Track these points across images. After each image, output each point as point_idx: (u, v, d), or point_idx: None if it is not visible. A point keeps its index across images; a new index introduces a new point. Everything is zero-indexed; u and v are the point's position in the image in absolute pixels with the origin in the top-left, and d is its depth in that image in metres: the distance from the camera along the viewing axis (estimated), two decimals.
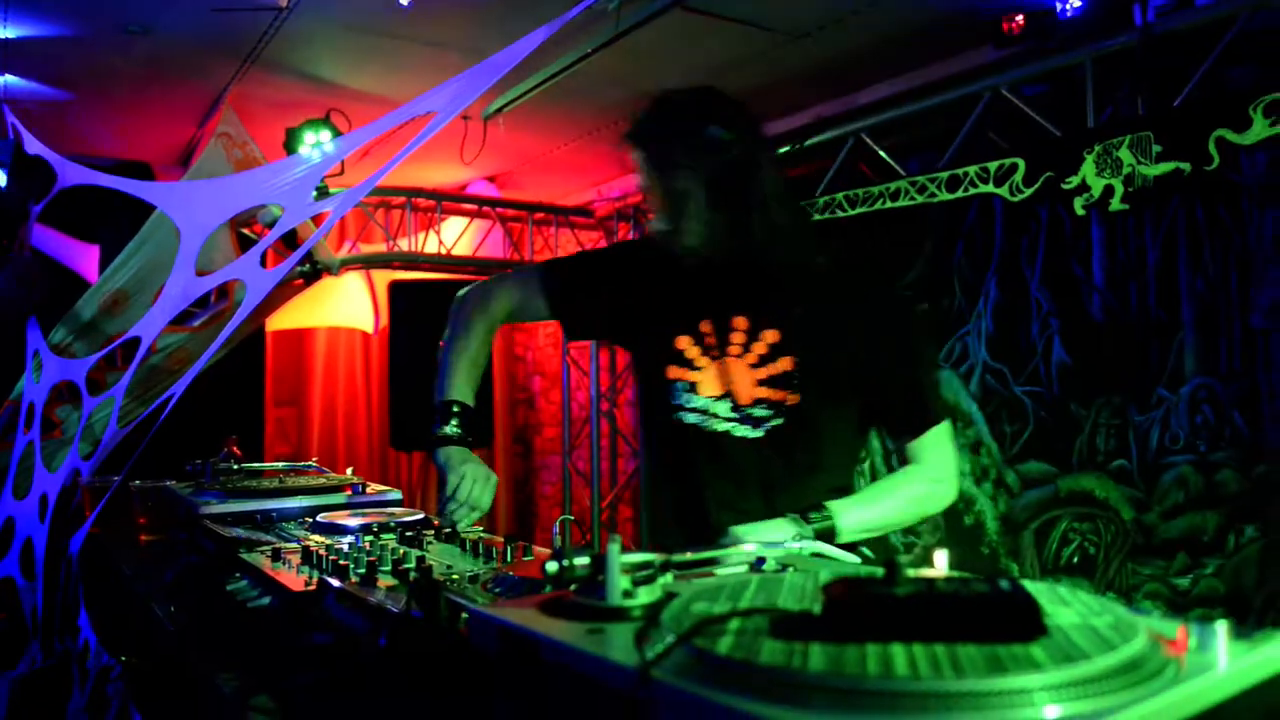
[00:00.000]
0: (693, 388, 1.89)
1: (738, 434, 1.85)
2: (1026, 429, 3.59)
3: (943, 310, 3.90)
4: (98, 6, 3.60)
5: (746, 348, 1.86)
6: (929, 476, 1.85)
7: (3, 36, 3.83)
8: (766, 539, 1.53)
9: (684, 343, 1.91)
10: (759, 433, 1.83)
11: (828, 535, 1.65)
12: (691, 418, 1.89)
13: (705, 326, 1.90)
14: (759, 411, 1.83)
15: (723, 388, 1.87)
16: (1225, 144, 3.00)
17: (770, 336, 1.84)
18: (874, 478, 4.16)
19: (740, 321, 1.87)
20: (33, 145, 3.02)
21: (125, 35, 3.85)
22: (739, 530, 1.62)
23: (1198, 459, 3.11)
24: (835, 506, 1.72)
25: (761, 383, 1.83)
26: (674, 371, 1.91)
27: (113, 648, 1.93)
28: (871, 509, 1.79)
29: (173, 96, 4.62)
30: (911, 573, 0.81)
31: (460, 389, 2.15)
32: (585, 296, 2.08)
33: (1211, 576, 3.05)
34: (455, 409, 2.12)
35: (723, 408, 1.86)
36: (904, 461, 1.88)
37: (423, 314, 5.57)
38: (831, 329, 1.83)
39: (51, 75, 4.31)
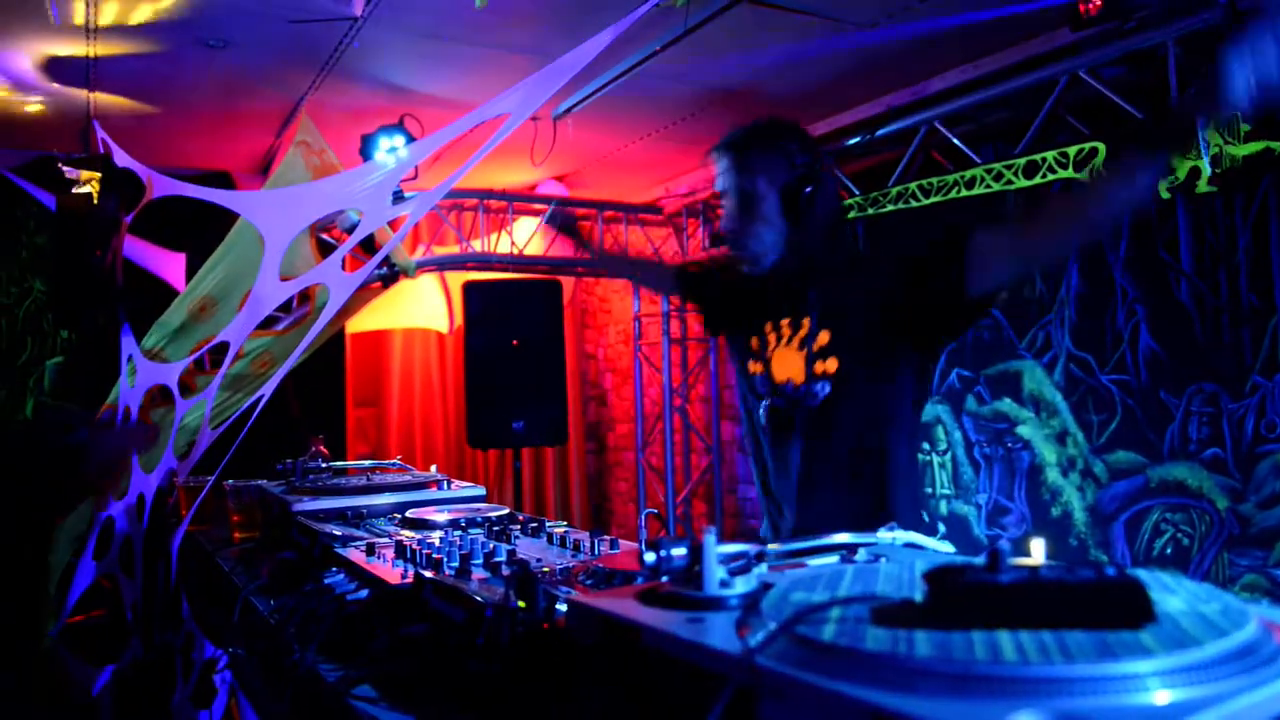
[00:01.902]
0: (766, 376, 2.17)
1: (804, 407, 2.08)
2: (1114, 419, 3.51)
3: (1023, 300, 3.83)
4: (179, 24, 3.72)
5: (794, 334, 2.13)
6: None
7: (91, 55, 3.98)
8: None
9: (755, 342, 2.21)
10: (818, 404, 2.05)
11: None
12: (771, 400, 2.15)
13: (768, 328, 2.20)
14: (816, 386, 2.06)
15: (784, 373, 2.13)
16: None
17: (808, 322, 2.11)
18: (955, 470, 4.11)
19: (786, 321, 2.16)
20: (122, 158, 3.13)
21: (206, 50, 3.97)
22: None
23: None
24: None
25: (810, 360, 2.07)
26: (754, 366, 2.20)
27: (215, 640, 2.00)
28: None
29: (252, 107, 4.75)
30: (1013, 560, 0.81)
31: None
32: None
33: None
34: None
35: (785, 389, 2.11)
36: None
37: (497, 313, 5.64)
38: (853, 298, 2.06)
39: (136, 91, 4.46)
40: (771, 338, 2.18)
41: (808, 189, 2.08)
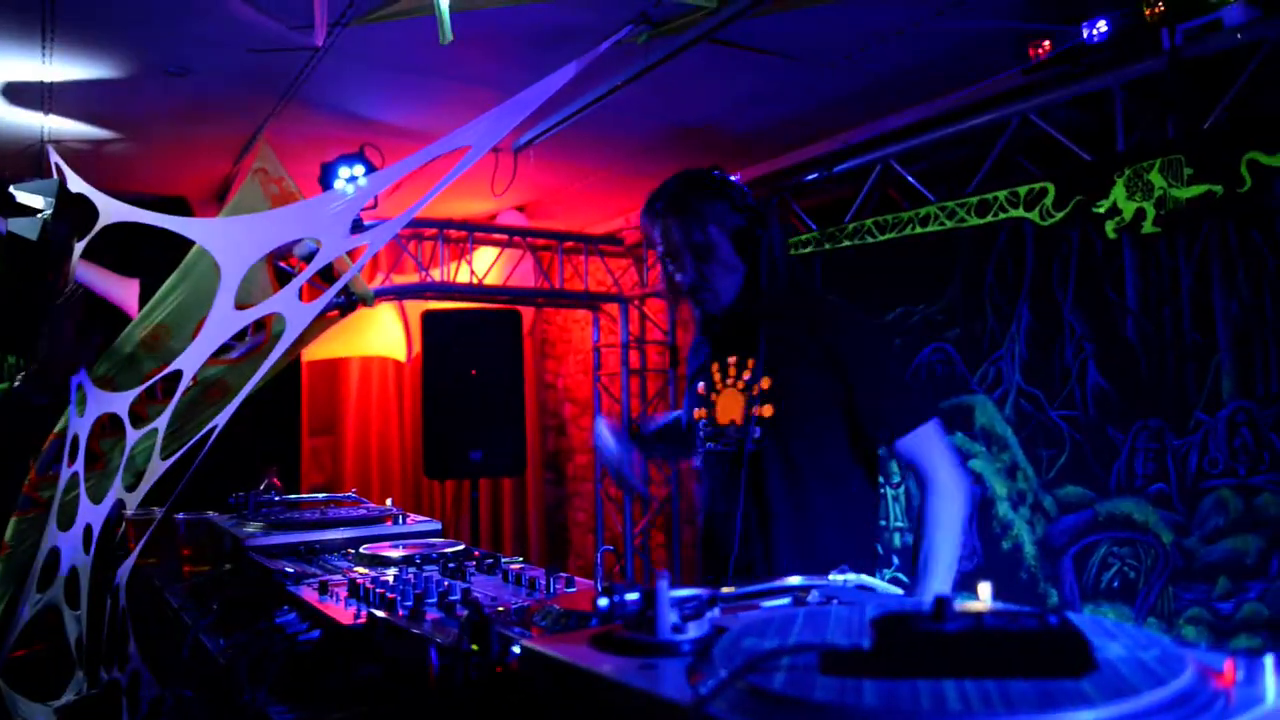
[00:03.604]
0: (707, 418, 2.21)
1: (741, 451, 2.11)
2: (1063, 453, 3.57)
3: (975, 335, 3.90)
4: (137, 49, 3.70)
5: (739, 377, 2.16)
6: (942, 495, 2.01)
7: (47, 80, 3.94)
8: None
9: (701, 387, 2.25)
10: (753, 448, 2.09)
11: None
12: (709, 445, 2.20)
13: (714, 368, 2.22)
14: (752, 429, 2.09)
15: (726, 416, 2.16)
16: (1257, 166, 3.00)
17: (753, 364, 2.13)
18: (909, 502, 4.15)
19: (733, 359, 2.18)
20: (75, 183, 3.10)
21: (164, 76, 3.94)
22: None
23: (1238, 482, 3.08)
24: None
25: (750, 403, 2.11)
26: (697, 413, 2.24)
27: (162, 679, 1.96)
28: (938, 578, 1.96)
29: (210, 133, 4.72)
30: (959, 606, 0.83)
31: None
32: None
33: (1255, 601, 3.02)
34: None
35: (728, 431, 2.15)
36: (904, 464, 2.12)
37: (455, 342, 5.63)
38: (800, 348, 2.09)
39: (92, 115, 4.42)
40: (718, 377, 2.20)
41: (758, 230, 2.10)
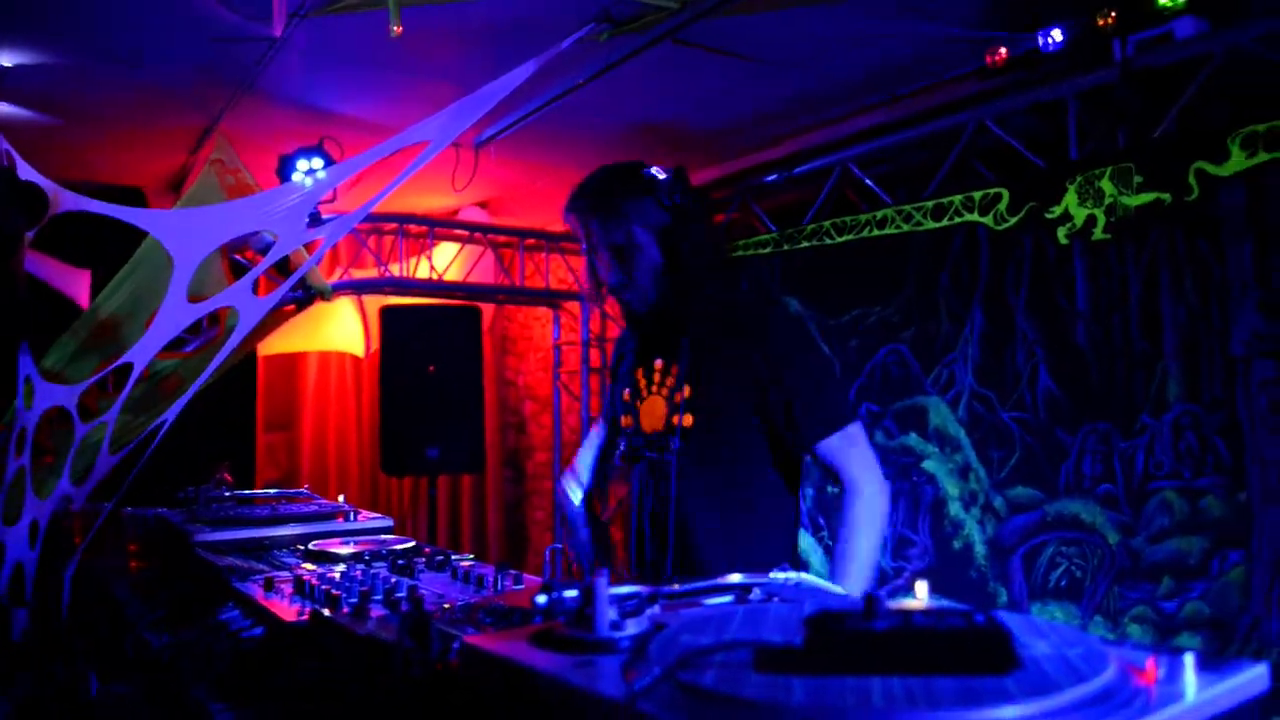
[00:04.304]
0: (632, 427, 2.17)
1: (662, 458, 2.08)
2: (1014, 455, 3.62)
3: (929, 337, 3.94)
4: (88, 35, 3.63)
5: (663, 384, 2.12)
6: (860, 498, 1.99)
7: None
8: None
9: (627, 393, 2.20)
10: (673, 456, 2.05)
11: None
12: (633, 452, 2.16)
13: (639, 374, 2.18)
14: (673, 437, 2.06)
15: (650, 423, 2.13)
16: (1205, 176, 3.06)
17: (676, 370, 2.09)
18: None
19: (659, 364, 2.14)
20: (26, 171, 3.04)
21: (116, 63, 3.88)
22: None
23: (1182, 485, 3.15)
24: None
25: (672, 411, 2.07)
26: (624, 419, 2.20)
27: (106, 676, 1.94)
28: (853, 580, 1.93)
29: (165, 123, 4.65)
30: (891, 604, 0.84)
31: None
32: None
33: (1197, 600, 3.08)
34: None
35: (651, 438, 2.12)
36: (823, 468, 2.03)
37: (414, 338, 5.59)
38: (721, 355, 2.05)
39: (43, 102, 4.33)
40: (643, 383, 2.17)
41: (686, 226, 2.03)
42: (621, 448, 2.20)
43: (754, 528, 2.05)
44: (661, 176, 2.06)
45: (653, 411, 2.12)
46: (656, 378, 2.14)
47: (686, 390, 2.05)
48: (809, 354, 2.11)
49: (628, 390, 2.20)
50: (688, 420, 2.03)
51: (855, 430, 2.01)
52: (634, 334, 2.26)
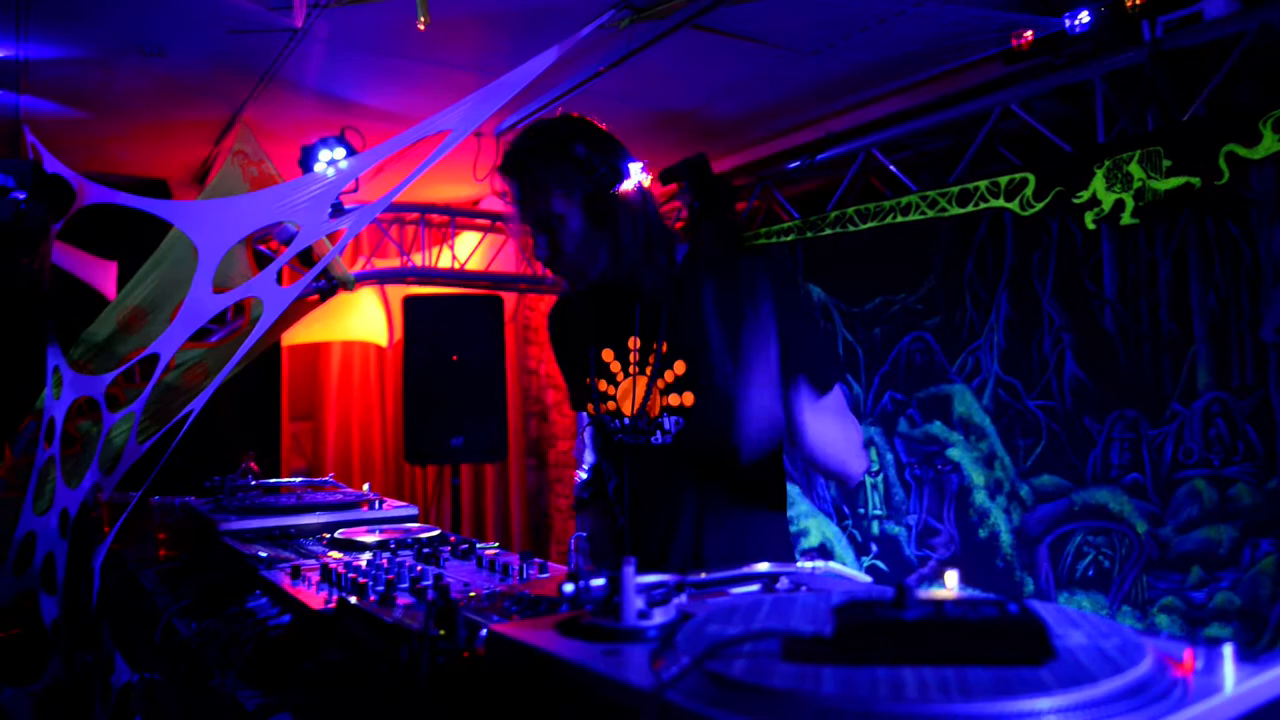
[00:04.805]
0: (616, 412, 2.00)
1: (655, 444, 1.93)
2: (1040, 443, 3.59)
3: (954, 325, 3.91)
4: (113, 29, 3.65)
5: (646, 364, 1.95)
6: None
7: (20, 58, 3.89)
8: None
9: (603, 382, 2.03)
10: (670, 440, 1.91)
11: None
12: (621, 438, 1.99)
13: (607, 355, 2.01)
14: (667, 420, 1.91)
15: (635, 407, 1.95)
16: (1235, 159, 3.01)
17: (662, 348, 1.92)
18: (887, 490, 4.17)
19: (634, 342, 1.97)
20: (52, 164, 3.07)
21: (141, 56, 3.90)
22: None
23: (1212, 473, 3.11)
24: None
25: (664, 392, 1.92)
26: (604, 406, 2.02)
27: (135, 663, 1.96)
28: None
29: (189, 115, 4.67)
30: (922, 594, 0.83)
31: None
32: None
33: (1227, 590, 3.05)
34: None
35: (640, 423, 1.94)
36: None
37: (437, 328, 5.61)
38: (705, 322, 1.87)
39: (68, 95, 4.36)
40: (617, 366, 2.00)
41: (614, 189, 1.83)
42: (610, 433, 2.03)
43: (755, 507, 1.94)
44: (583, 140, 1.86)
45: (638, 394, 1.95)
46: (634, 357, 1.96)
47: (680, 367, 1.89)
48: (798, 302, 1.95)
49: (603, 379, 2.02)
50: (688, 399, 1.88)
51: (837, 392, 1.86)
52: (583, 313, 2.07)
